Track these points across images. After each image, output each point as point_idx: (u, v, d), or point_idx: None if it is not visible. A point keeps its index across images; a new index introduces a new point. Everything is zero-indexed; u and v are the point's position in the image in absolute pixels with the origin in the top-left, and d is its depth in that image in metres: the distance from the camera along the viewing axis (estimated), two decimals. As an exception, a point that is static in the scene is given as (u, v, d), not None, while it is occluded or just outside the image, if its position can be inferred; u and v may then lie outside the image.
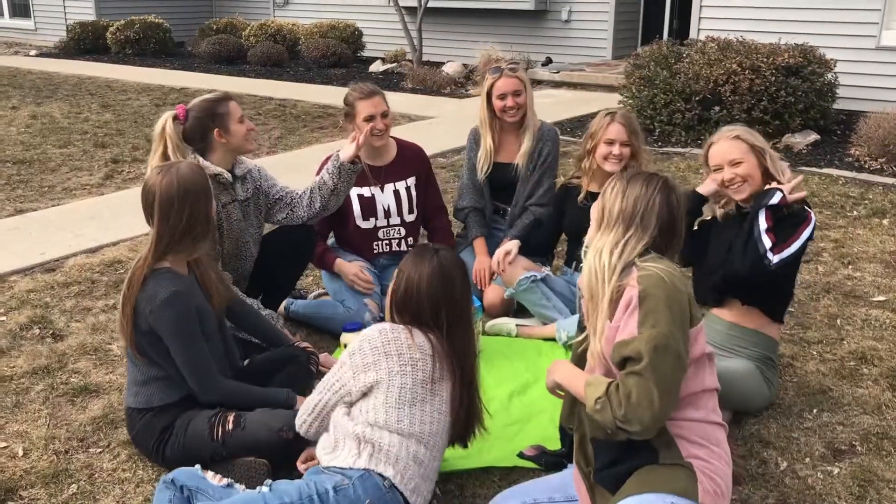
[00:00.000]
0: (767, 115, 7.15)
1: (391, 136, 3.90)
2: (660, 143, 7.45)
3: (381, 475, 2.21)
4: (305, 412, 2.43)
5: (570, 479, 2.40)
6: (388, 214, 3.86)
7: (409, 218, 3.91)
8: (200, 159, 3.24)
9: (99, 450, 2.86)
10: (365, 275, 3.72)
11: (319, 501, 2.14)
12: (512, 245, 3.72)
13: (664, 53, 7.84)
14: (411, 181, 3.91)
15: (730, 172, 2.96)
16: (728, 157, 2.96)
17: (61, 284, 4.27)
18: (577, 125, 8.39)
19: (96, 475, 2.72)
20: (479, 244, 4.01)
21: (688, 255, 3.06)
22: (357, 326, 3.45)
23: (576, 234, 3.75)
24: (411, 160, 3.94)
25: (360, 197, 3.81)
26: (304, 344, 3.21)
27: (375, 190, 3.82)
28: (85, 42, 14.99)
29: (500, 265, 3.69)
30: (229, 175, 3.32)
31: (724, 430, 2.18)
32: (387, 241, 3.90)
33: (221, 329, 2.86)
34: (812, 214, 2.95)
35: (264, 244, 3.58)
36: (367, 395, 2.29)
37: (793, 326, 3.77)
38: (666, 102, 7.48)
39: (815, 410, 3.07)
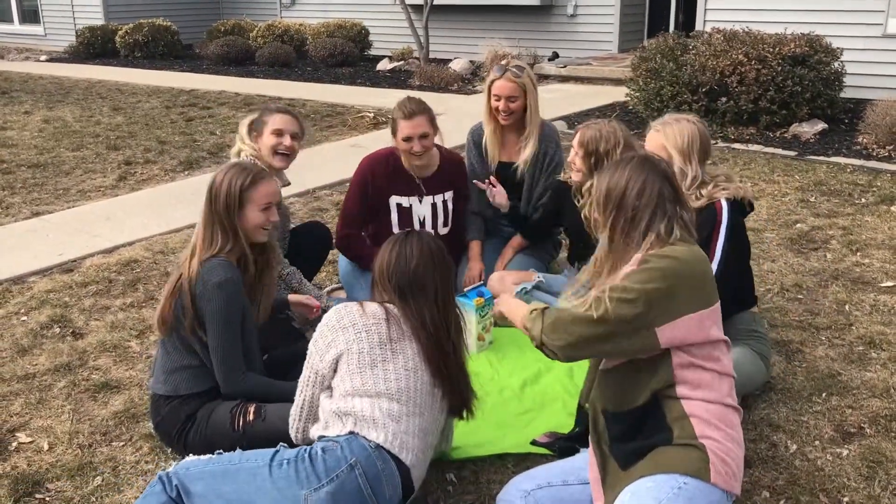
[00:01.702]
0: (774, 104, 7.18)
1: (436, 145, 3.82)
2: (667, 135, 7.47)
3: (365, 437, 2.29)
4: (294, 420, 2.51)
5: (583, 462, 2.43)
6: (422, 226, 3.84)
7: (443, 231, 3.89)
8: (254, 157, 3.40)
9: (122, 443, 2.93)
10: None
11: (310, 460, 2.24)
12: (509, 247, 3.88)
13: (670, 45, 7.87)
14: (449, 195, 3.89)
15: None
16: (647, 145, 3.06)
17: (79, 284, 4.35)
18: (585, 119, 8.41)
19: (120, 467, 2.79)
20: (474, 248, 3.97)
21: None
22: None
23: (576, 232, 3.77)
24: (452, 173, 3.90)
25: (399, 206, 3.80)
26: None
27: (414, 200, 3.81)
28: (94, 46, 15.11)
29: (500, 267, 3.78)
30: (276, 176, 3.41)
31: (738, 415, 2.21)
32: None
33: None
34: (723, 212, 2.91)
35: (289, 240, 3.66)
36: (336, 371, 2.41)
37: (802, 313, 3.80)
38: (673, 94, 7.51)
39: (823, 394, 3.11)
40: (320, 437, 2.38)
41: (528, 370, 3.32)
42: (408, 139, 3.62)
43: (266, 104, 3.43)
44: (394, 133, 3.67)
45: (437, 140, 3.75)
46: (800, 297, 3.99)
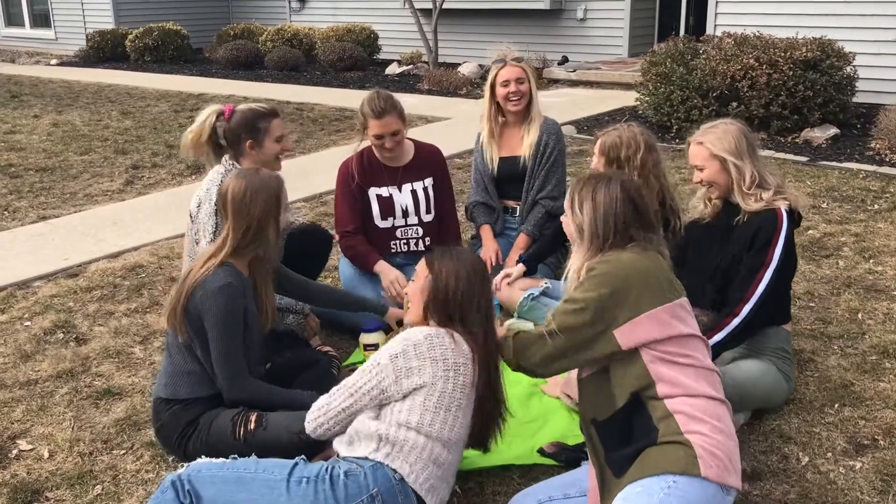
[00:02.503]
0: (786, 109, 7.11)
1: (408, 138, 3.92)
2: (677, 140, 7.41)
3: (392, 469, 2.23)
4: (321, 414, 2.41)
5: (584, 474, 2.40)
6: (405, 214, 3.88)
7: (427, 218, 3.92)
8: (234, 164, 3.29)
9: (123, 451, 2.90)
10: (399, 287, 3.62)
11: (331, 482, 2.18)
12: (516, 270, 3.76)
13: (680, 50, 7.81)
14: (429, 182, 3.92)
15: (696, 175, 3.04)
16: (692, 161, 3.03)
17: (84, 289, 4.33)
18: (594, 123, 8.37)
19: (120, 476, 2.76)
20: (486, 231, 4.15)
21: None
22: (376, 327, 3.47)
23: None
24: (429, 161, 3.95)
25: (379, 197, 3.83)
26: (327, 348, 3.24)
27: (393, 189, 3.84)
28: (104, 50, 15.16)
29: (497, 287, 3.68)
30: None
31: (725, 407, 2.16)
32: (405, 241, 3.91)
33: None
34: (783, 221, 2.88)
35: (287, 244, 3.62)
36: (405, 398, 2.29)
37: (814, 321, 3.74)
38: (683, 99, 7.44)
39: (836, 405, 3.05)
40: (345, 457, 2.31)
41: (533, 378, 3.26)
42: (379, 137, 3.67)
43: (250, 108, 3.33)
44: (363, 129, 3.71)
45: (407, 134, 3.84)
46: (811, 305, 3.93)
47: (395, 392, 2.27)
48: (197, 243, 3.21)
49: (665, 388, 2.09)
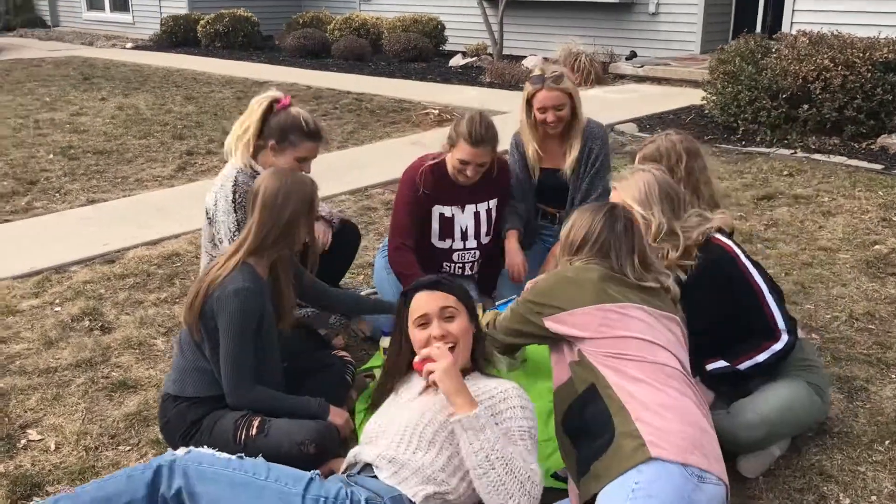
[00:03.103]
0: (861, 113, 6.72)
1: None
2: (743, 143, 7.08)
3: (409, 500, 2.11)
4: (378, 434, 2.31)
5: None
6: (465, 237, 3.64)
7: (485, 240, 3.70)
8: (251, 162, 3.18)
9: (128, 448, 2.84)
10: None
11: None
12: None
13: (751, 48, 7.46)
14: (493, 203, 3.67)
15: None
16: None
17: (118, 276, 4.32)
18: (658, 122, 8.08)
19: (121, 474, 2.70)
20: (511, 238, 3.68)
21: None
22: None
23: None
24: (496, 180, 3.67)
25: (441, 216, 3.59)
26: (342, 353, 3.13)
27: (456, 210, 3.60)
28: (177, 35, 15.43)
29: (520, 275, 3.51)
30: None
31: (688, 399, 2.15)
32: (460, 265, 3.69)
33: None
34: (731, 245, 2.72)
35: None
36: None
37: (871, 345, 3.46)
38: (750, 100, 7.10)
39: (887, 442, 2.80)
40: (363, 467, 2.23)
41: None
42: (464, 163, 3.41)
43: (299, 115, 3.20)
44: (451, 146, 3.44)
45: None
46: (871, 327, 3.64)
47: None
48: (220, 243, 3.14)
49: (614, 380, 2.15)
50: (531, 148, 3.72)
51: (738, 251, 2.71)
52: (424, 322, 2.40)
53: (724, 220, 2.79)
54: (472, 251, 3.67)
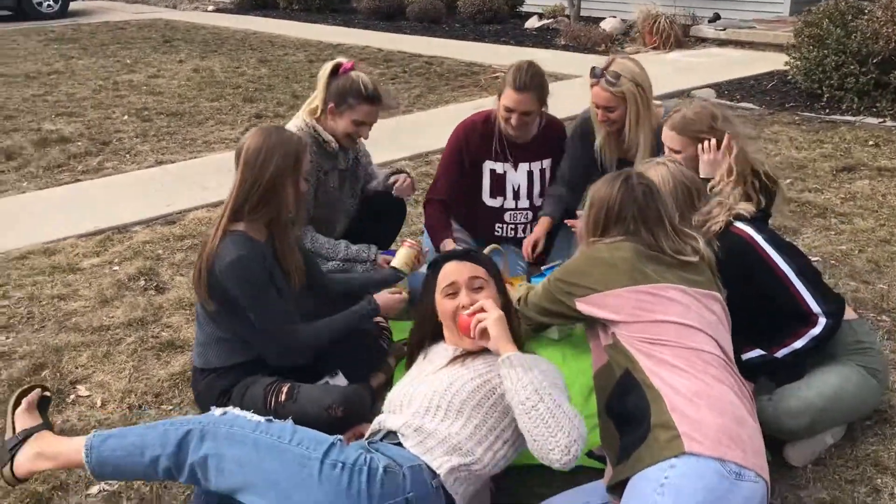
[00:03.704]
0: (959, 80, 6.26)
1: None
2: (827, 111, 6.71)
3: (433, 473, 2.07)
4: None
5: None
6: (517, 196, 3.59)
7: (538, 202, 3.63)
8: (311, 121, 3.21)
9: (170, 407, 2.90)
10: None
11: (367, 473, 2.01)
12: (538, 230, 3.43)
13: (841, 10, 7.01)
14: (547, 163, 3.61)
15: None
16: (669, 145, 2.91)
17: (177, 237, 4.40)
18: (737, 87, 7.74)
19: (161, 433, 2.74)
20: (544, 223, 3.55)
21: None
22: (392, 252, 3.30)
23: None
24: (551, 139, 3.61)
25: (492, 172, 3.56)
26: (378, 319, 3.09)
27: (508, 167, 3.55)
28: (257, -2, 15.60)
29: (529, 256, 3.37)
30: (336, 146, 3.27)
31: (727, 387, 2.03)
32: (512, 226, 3.64)
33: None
34: (750, 233, 2.57)
35: (358, 213, 3.52)
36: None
37: (947, 330, 3.24)
38: (837, 65, 6.70)
39: (953, 434, 2.62)
40: (386, 434, 2.21)
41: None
42: (509, 110, 3.36)
43: (360, 79, 3.18)
44: (499, 94, 3.42)
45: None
46: (948, 309, 3.41)
47: None
48: None
49: (648, 366, 2.05)
50: (599, 137, 3.49)
51: (759, 237, 2.55)
52: (453, 291, 2.36)
53: (745, 207, 2.62)
54: (525, 212, 3.62)
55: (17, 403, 2.33)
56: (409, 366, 2.55)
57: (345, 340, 2.88)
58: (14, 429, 2.28)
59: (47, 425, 2.31)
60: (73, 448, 2.15)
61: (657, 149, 3.36)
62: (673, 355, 2.05)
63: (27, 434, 2.25)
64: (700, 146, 2.81)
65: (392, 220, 3.69)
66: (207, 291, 2.56)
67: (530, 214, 3.62)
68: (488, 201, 3.60)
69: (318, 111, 3.23)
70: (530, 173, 3.57)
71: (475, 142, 3.52)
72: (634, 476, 1.94)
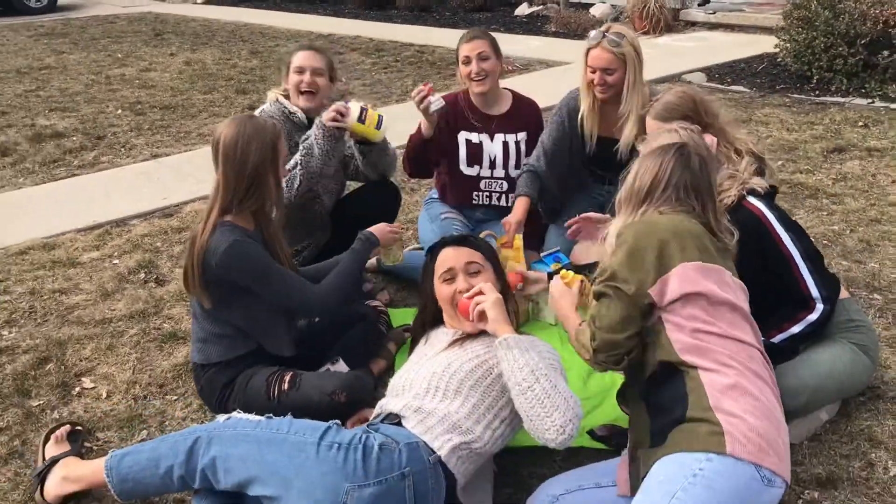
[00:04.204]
0: (947, 60, 6.31)
1: (508, 89, 3.78)
2: (817, 92, 6.76)
3: (431, 450, 2.11)
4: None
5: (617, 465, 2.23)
6: (493, 165, 3.72)
7: (515, 173, 3.72)
8: (280, 98, 3.34)
9: (175, 397, 2.94)
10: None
11: (363, 452, 2.07)
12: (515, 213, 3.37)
13: (829, -9, 7.05)
14: (522, 136, 3.73)
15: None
16: None
17: (175, 230, 4.43)
18: (728, 71, 7.77)
19: (167, 422, 2.79)
20: (522, 202, 3.51)
21: None
22: None
23: None
24: (525, 114, 3.77)
25: (468, 142, 3.69)
26: (375, 302, 3.14)
27: (484, 137, 3.68)
28: (247, -11, 15.54)
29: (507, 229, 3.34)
30: (304, 116, 3.34)
31: (765, 384, 1.98)
32: (487, 193, 3.77)
33: None
34: (763, 211, 2.54)
35: (351, 202, 3.56)
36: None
37: (936, 306, 3.30)
38: (826, 46, 6.74)
39: (944, 408, 2.67)
40: (387, 416, 2.25)
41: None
42: (467, 61, 3.54)
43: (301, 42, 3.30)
44: (457, 61, 3.62)
45: (509, 85, 3.61)
46: (937, 287, 3.47)
47: None
48: None
49: (693, 357, 1.96)
50: (585, 104, 3.50)
51: (771, 216, 2.53)
52: (450, 277, 2.41)
53: (759, 182, 2.59)
54: (500, 181, 3.74)
55: (46, 439, 2.53)
56: (412, 351, 2.59)
57: (344, 326, 2.94)
58: (44, 458, 2.45)
59: (75, 451, 2.49)
60: (95, 469, 2.29)
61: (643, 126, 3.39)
62: (721, 346, 1.97)
63: (54, 460, 2.42)
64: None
65: (385, 212, 3.70)
66: (203, 288, 2.57)
67: (505, 184, 3.74)
68: (465, 170, 3.72)
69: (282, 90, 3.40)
70: (506, 144, 3.70)
71: (451, 113, 3.64)
72: (665, 457, 1.90)
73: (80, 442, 2.61)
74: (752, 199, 2.55)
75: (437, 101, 3.37)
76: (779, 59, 7.62)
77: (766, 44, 8.43)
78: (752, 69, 7.81)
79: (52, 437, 2.52)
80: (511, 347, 2.15)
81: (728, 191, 2.55)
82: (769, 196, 2.62)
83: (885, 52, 6.46)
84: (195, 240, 2.58)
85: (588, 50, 3.38)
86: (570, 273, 2.52)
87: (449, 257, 2.45)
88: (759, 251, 2.50)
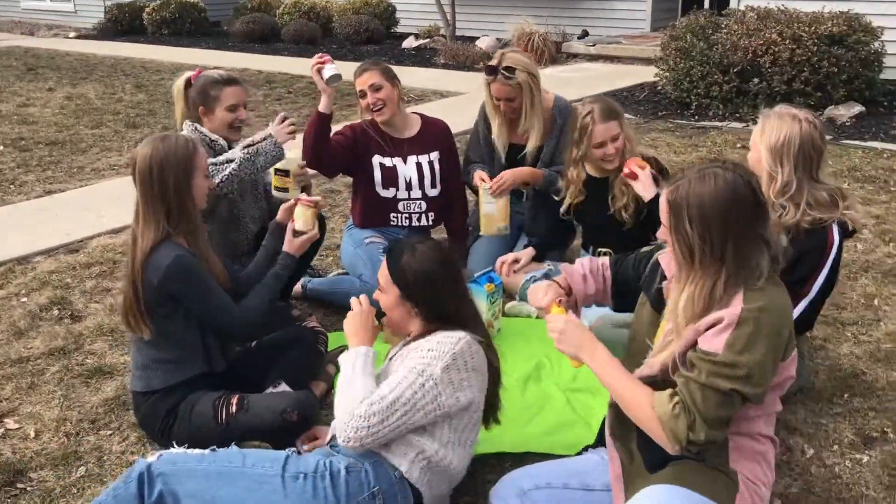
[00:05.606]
0: (809, 86, 6.90)
1: (416, 113, 3.90)
2: (696, 117, 7.24)
3: (393, 466, 2.14)
4: (370, 433, 2.04)
5: (586, 466, 2.28)
6: (409, 187, 3.79)
7: (432, 192, 3.83)
8: (198, 126, 3.30)
9: (109, 432, 2.85)
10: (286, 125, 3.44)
11: (331, 478, 2.09)
12: (525, 255, 3.43)
13: (701, 24, 7.60)
14: (434, 155, 3.83)
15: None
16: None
17: (83, 265, 4.28)
18: (612, 99, 8.16)
19: (105, 457, 2.71)
20: (480, 174, 3.82)
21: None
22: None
23: (596, 226, 3.61)
24: (435, 135, 3.88)
25: (382, 165, 3.75)
26: (313, 323, 3.16)
27: (397, 160, 3.75)
28: (122, 23, 15.13)
29: (500, 271, 3.38)
30: (224, 143, 3.34)
31: (775, 448, 2.06)
32: (406, 215, 3.83)
33: None
34: (833, 244, 2.65)
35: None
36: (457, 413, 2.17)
37: (827, 307, 3.56)
38: (703, 75, 7.25)
39: (846, 395, 2.93)
40: (337, 448, 2.24)
41: (531, 362, 3.18)
42: (362, 94, 3.65)
43: (208, 75, 3.31)
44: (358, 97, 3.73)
45: (408, 108, 3.80)
46: (826, 289, 3.79)
47: (454, 407, 2.13)
48: None
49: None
50: (496, 124, 3.89)
51: (833, 254, 2.64)
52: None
53: (853, 217, 2.65)
54: (418, 201, 3.82)
55: None
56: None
57: (285, 349, 2.94)
58: None
59: None
60: None
61: (552, 128, 3.86)
62: (766, 424, 1.98)
63: None
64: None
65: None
66: (144, 314, 2.52)
67: (424, 204, 3.83)
68: (382, 192, 3.79)
69: (194, 119, 3.33)
70: (419, 165, 3.79)
71: (363, 139, 3.74)
72: (669, 486, 1.89)
73: None
74: (836, 230, 2.64)
75: (330, 68, 3.45)
76: (659, 88, 8.11)
77: (645, 73, 8.95)
78: (634, 97, 8.27)
79: None
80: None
81: (825, 208, 2.61)
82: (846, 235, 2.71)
83: (755, 80, 7.00)
84: (130, 268, 2.54)
85: (489, 82, 3.76)
86: (560, 308, 2.13)
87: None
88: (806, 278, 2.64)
